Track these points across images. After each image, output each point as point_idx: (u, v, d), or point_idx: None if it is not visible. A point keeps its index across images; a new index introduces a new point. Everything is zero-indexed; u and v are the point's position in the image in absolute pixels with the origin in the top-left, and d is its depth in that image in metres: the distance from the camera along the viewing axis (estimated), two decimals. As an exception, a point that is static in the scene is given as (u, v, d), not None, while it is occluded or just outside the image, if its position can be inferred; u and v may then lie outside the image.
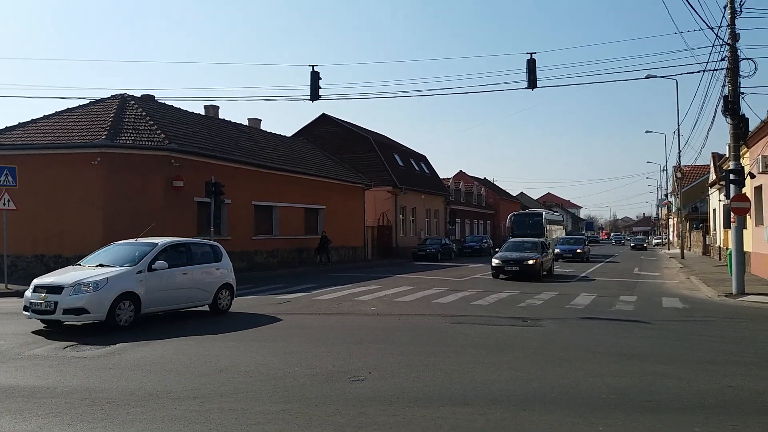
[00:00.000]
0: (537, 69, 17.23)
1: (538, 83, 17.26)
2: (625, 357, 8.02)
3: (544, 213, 42.71)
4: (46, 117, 22.24)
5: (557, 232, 45.74)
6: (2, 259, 17.04)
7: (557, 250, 33.33)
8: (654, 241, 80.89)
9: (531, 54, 17.11)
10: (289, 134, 38.12)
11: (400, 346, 8.71)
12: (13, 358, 7.78)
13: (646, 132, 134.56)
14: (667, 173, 60.22)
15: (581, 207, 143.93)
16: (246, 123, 32.57)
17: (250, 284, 18.81)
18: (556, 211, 70.86)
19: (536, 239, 24.33)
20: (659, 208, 77.31)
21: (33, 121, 21.99)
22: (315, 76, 19.16)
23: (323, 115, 41.86)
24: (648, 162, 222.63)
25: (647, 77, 25.45)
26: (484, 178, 73.02)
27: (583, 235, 52.27)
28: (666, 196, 64.14)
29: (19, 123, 21.78)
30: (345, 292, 16.32)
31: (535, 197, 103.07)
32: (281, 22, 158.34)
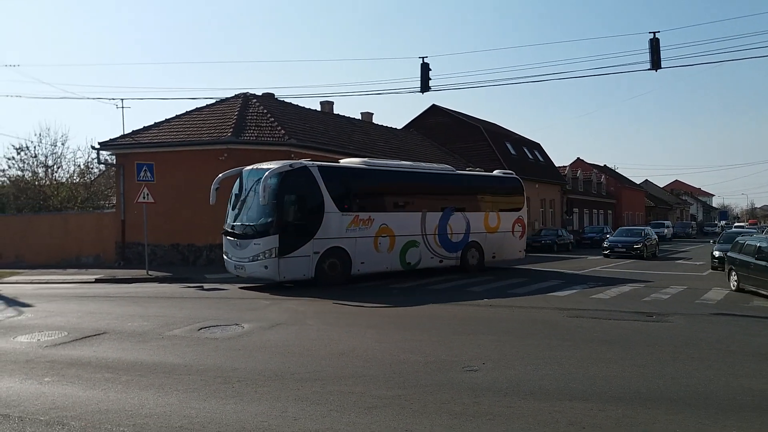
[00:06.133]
0: (660, 49, 16.17)
1: (663, 63, 16.20)
2: (762, 357, 7.37)
3: (279, 169, 14.78)
4: (178, 117, 24.12)
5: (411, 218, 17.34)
6: (144, 248, 18.77)
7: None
8: None
9: (654, 33, 16.06)
10: (399, 126, 38.55)
11: (514, 338, 8.59)
12: (155, 338, 8.58)
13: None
14: (817, 155, 53.91)
15: (713, 195, 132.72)
16: (359, 117, 33.36)
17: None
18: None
19: None
20: (807, 195, 69.23)
21: (167, 120, 23.92)
22: (425, 68, 19.23)
23: (433, 106, 41.86)
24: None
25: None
26: (604, 165, 69.49)
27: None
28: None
29: (155, 123, 23.78)
30: (454, 282, 16.30)
31: (661, 185, 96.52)
32: (392, 17, 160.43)
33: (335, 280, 15.22)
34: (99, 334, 8.77)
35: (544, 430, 4.79)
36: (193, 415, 5.16)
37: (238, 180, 15.91)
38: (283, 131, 21.88)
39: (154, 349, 7.89)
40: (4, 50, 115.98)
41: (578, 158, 64.46)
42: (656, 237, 31.87)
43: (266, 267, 14.44)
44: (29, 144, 33.62)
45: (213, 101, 24.89)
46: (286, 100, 27.22)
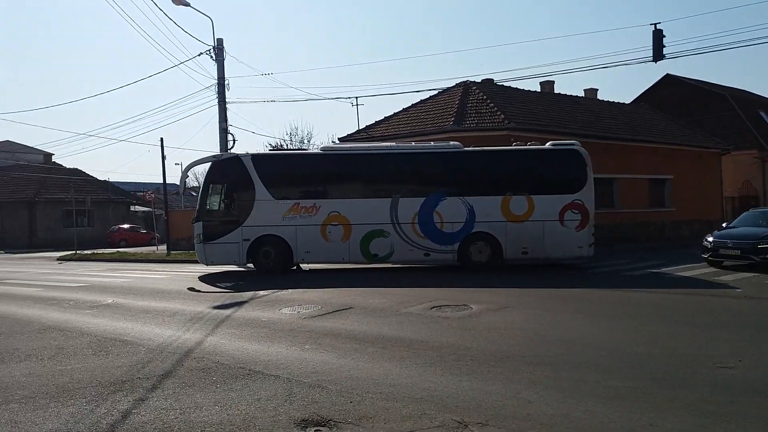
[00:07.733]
0: None
1: None
2: None
3: (207, 160, 16.65)
4: (405, 110, 25.60)
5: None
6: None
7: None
8: None
9: None
10: (628, 101, 35.74)
11: (776, 334, 7.57)
12: (393, 314, 9.33)
13: None
14: None
15: None
16: (582, 94, 31.74)
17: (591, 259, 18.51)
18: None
19: None
20: None
21: (395, 114, 25.55)
22: (658, 35, 17.73)
23: (667, 75, 37.91)
24: None
25: None
26: None
27: None
28: None
29: (385, 117, 25.58)
30: (701, 270, 14.74)
31: None
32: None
33: (270, 268, 15.34)
34: (346, 309, 9.83)
35: (821, 441, 4.21)
36: (432, 388, 5.52)
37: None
38: (502, 116, 21.84)
39: (394, 324, 8.59)
40: (261, 61, 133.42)
41: None
42: None
43: (196, 251, 16.08)
44: (282, 142, 38.54)
45: (436, 92, 25.85)
46: (506, 84, 27.08)
